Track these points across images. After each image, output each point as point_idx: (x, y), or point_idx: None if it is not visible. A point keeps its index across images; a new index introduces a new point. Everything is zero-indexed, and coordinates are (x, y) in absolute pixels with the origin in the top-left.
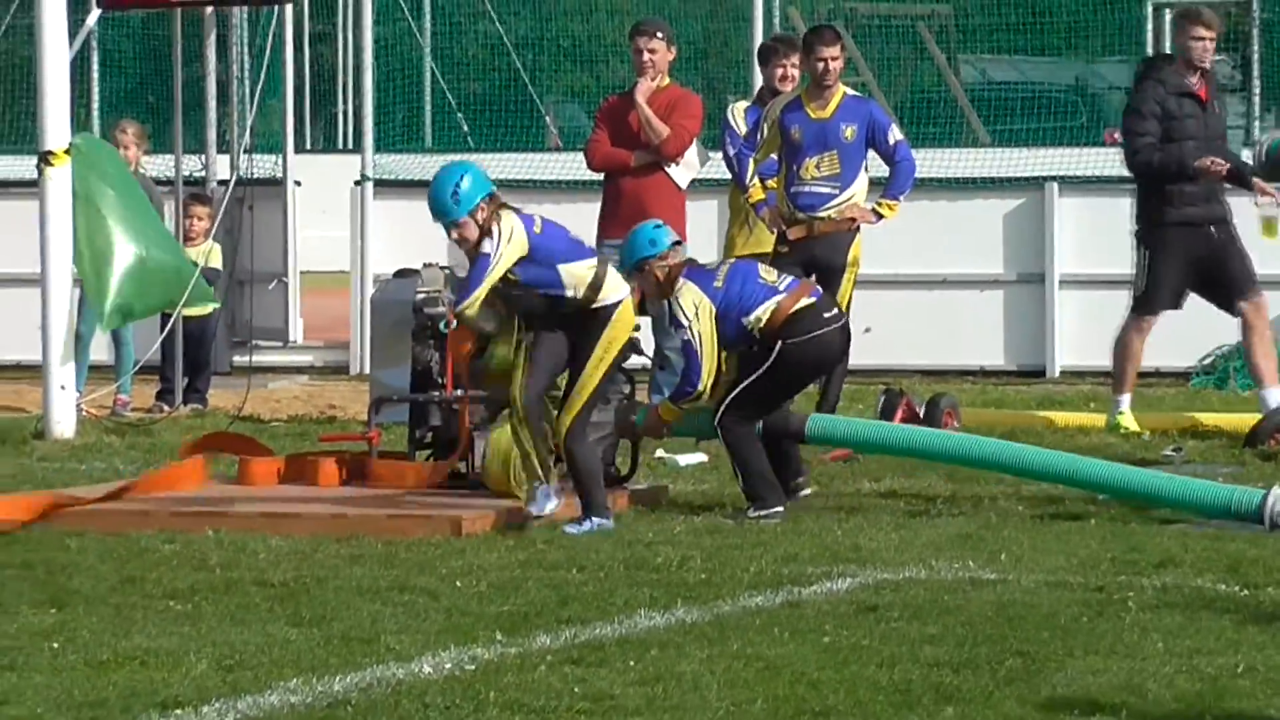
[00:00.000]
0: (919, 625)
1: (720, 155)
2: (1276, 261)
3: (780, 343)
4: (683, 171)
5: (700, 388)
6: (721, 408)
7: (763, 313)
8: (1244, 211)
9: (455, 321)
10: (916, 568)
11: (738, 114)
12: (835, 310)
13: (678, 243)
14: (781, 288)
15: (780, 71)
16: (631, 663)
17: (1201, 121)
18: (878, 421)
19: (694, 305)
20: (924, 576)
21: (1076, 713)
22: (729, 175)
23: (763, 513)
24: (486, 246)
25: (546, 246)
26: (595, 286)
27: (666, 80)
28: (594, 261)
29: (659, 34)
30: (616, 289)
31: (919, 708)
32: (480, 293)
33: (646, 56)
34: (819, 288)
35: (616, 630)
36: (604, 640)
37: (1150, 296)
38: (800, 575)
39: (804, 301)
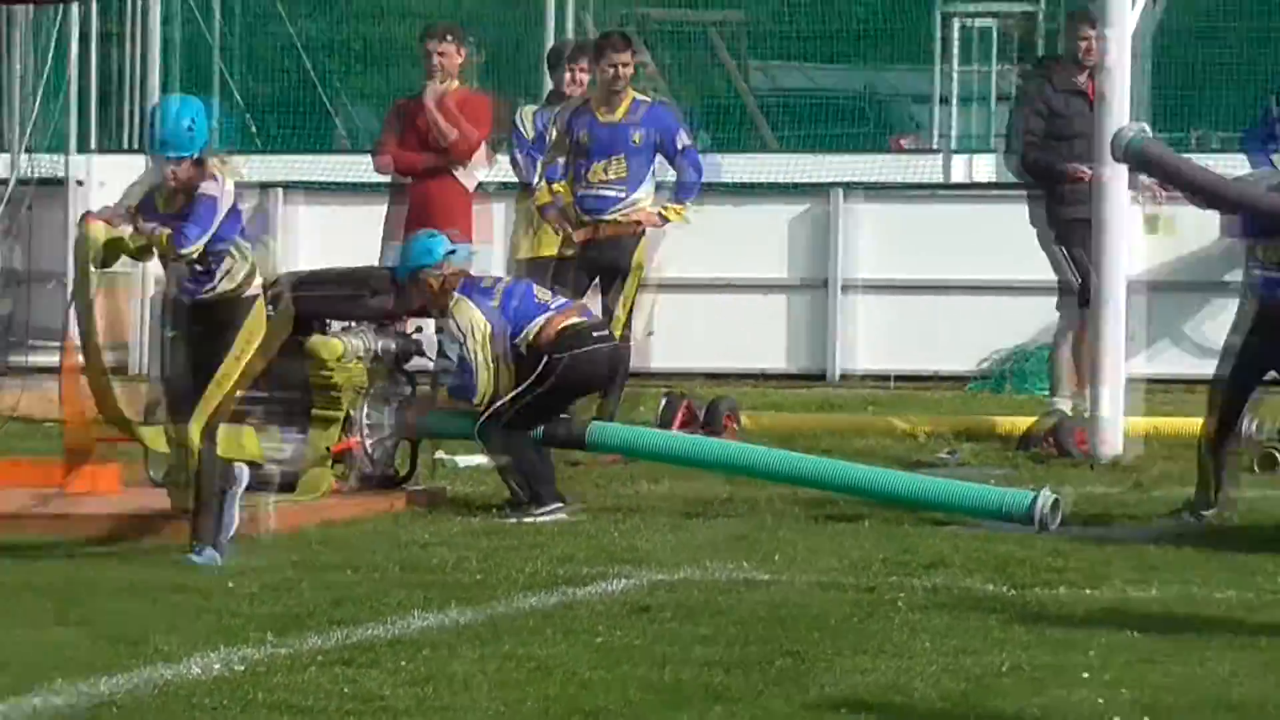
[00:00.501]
0: (692, 626)
1: (508, 158)
2: None
3: (548, 357)
4: (471, 174)
5: (477, 402)
6: (484, 417)
7: (533, 328)
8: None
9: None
10: (691, 568)
11: (526, 117)
12: (606, 332)
13: (452, 252)
14: (553, 306)
15: (569, 76)
16: (403, 663)
17: (1090, 119)
18: (657, 430)
19: (469, 324)
20: (698, 577)
21: (843, 711)
22: (516, 178)
23: (544, 510)
24: (210, 189)
25: (238, 215)
26: (248, 276)
27: (456, 83)
28: (250, 251)
29: (449, 37)
30: (258, 284)
31: (688, 707)
32: (210, 232)
33: (436, 59)
34: (591, 310)
35: (389, 631)
36: (376, 641)
37: (1087, 286)
38: (575, 576)
39: (574, 320)
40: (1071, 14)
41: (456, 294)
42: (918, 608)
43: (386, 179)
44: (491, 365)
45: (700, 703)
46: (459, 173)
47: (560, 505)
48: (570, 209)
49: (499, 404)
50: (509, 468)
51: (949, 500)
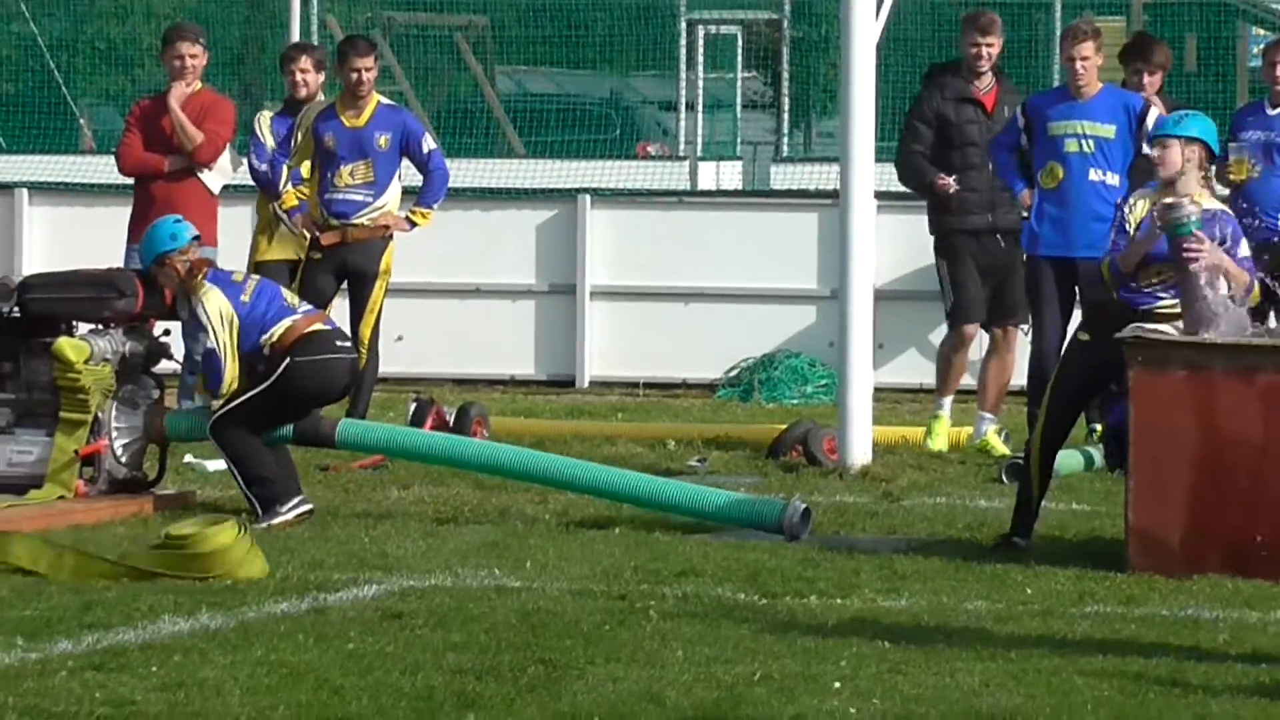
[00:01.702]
0: (443, 632)
1: (247, 162)
2: None
3: (289, 359)
4: (215, 177)
5: (222, 393)
6: (218, 415)
7: (278, 330)
8: None
9: None
10: (443, 575)
11: (264, 123)
12: (348, 344)
13: (197, 238)
14: (300, 310)
15: (291, 77)
16: (154, 668)
17: (984, 127)
18: (409, 428)
19: (219, 312)
20: (450, 584)
21: (596, 719)
22: (254, 182)
23: (289, 506)
24: None
25: None
26: None
27: (199, 85)
28: None
29: (197, 39)
30: None
31: (440, 715)
32: None
33: (188, 62)
34: (334, 321)
35: (140, 636)
36: (127, 645)
37: (957, 308)
38: (326, 581)
39: (318, 326)
40: (965, 20)
41: (207, 283)
42: (669, 616)
43: (130, 181)
44: (236, 355)
45: (452, 710)
46: (204, 175)
47: (302, 497)
48: (316, 212)
49: (234, 403)
50: (240, 467)
51: (700, 507)
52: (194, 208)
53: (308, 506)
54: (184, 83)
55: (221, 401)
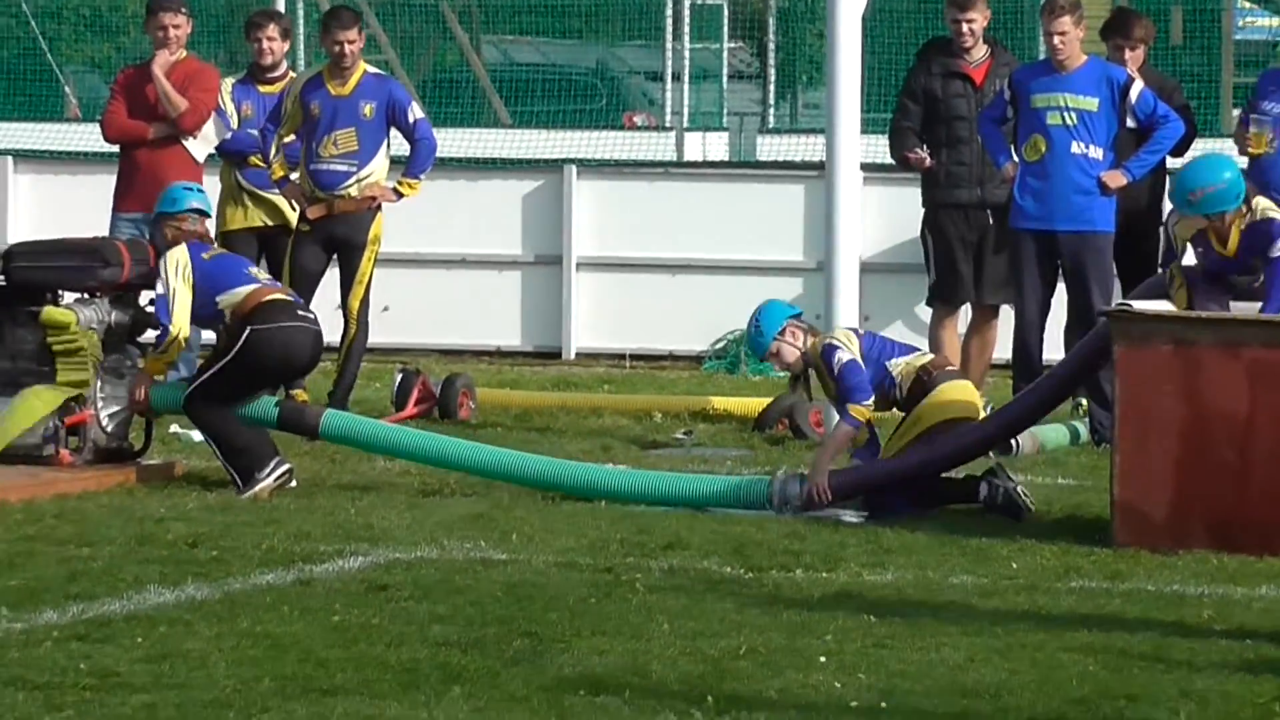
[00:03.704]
0: (429, 605)
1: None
2: None
3: (249, 329)
4: (199, 145)
5: (173, 332)
6: (190, 392)
7: (239, 293)
8: None
9: None
10: (428, 547)
11: (224, 92)
12: (310, 315)
13: (200, 212)
14: (263, 280)
15: (256, 45)
16: (139, 639)
17: (973, 101)
18: (393, 425)
19: (175, 261)
20: (435, 556)
21: (581, 693)
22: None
23: (266, 472)
24: None
25: None
26: None
27: (184, 53)
28: None
29: (176, 8)
30: None
31: (425, 687)
32: None
33: (171, 32)
34: (296, 294)
35: (125, 607)
36: (112, 616)
37: (938, 285)
38: (312, 553)
39: (278, 295)
40: None
41: (181, 245)
42: (655, 589)
43: (116, 149)
44: (188, 302)
45: (437, 683)
46: (189, 143)
47: (279, 459)
48: (305, 184)
49: (203, 378)
50: (217, 442)
51: (688, 495)
52: (178, 175)
53: (286, 466)
54: (168, 51)
55: (191, 377)
